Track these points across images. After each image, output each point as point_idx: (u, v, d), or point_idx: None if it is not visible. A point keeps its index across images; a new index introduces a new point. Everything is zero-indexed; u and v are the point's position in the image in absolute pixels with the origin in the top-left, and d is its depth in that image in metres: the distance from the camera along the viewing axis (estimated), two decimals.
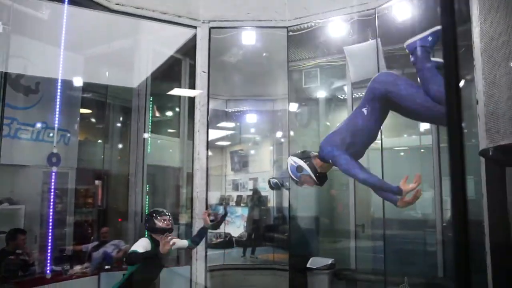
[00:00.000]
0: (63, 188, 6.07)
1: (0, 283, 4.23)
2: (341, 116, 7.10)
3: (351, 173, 3.22)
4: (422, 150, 6.67)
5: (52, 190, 4.52)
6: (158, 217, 4.24)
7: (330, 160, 3.32)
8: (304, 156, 3.55)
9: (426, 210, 6.30)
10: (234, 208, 11.03)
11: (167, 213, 4.34)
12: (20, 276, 4.63)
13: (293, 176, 3.54)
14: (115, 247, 5.80)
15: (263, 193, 10.10)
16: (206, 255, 5.59)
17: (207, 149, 5.72)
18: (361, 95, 7.03)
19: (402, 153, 6.78)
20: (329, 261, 6.16)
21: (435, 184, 5.85)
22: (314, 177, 3.45)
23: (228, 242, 9.39)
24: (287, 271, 6.50)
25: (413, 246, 6.26)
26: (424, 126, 6.52)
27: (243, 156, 10.79)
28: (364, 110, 3.51)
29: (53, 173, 4.49)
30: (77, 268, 5.32)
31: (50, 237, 4.37)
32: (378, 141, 6.80)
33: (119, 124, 7.21)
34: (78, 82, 6.10)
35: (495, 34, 3.75)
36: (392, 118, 5.95)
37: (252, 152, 10.91)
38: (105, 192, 7.17)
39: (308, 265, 6.17)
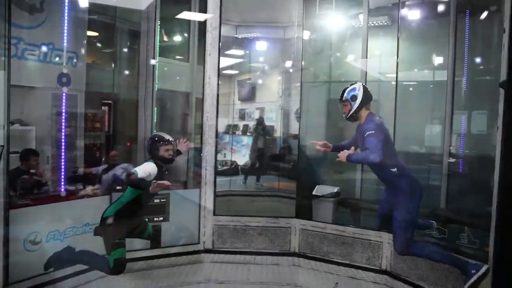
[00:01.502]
0: (71, 112, 6.03)
1: (18, 199, 4.36)
2: (355, 46, 6.90)
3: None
4: (431, 86, 6.55)
5: (64, 110, 4.50)
6: (163, 146, 4.16)
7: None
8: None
9: (434, 143, 6.31)
10: (240, 137, 11.12)
11: (171, 141, 4.23)
12: (35, 194, 4.77)
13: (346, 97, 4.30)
14: (124, 170, 5.88)
15: (270, 123, 10.13)
16: (215, 180, 5.71)
17: (218, 74, 5.64)
18: (377, 24, 6.81)
19: (416, 87, 6.64)
20: (335, 189, 6.29)
21: (445, 119, 5.79)
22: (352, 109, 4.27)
23: (234, 169, 9.58)
24: (293, 199, 6.68)
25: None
26: (439, 61, 6.38)
27: (251, 85, 10.68)
28: None
29: (64, 94, 4.45)
30: (89, 188, 5.44)
31: (63, 158, 4.43)
32: (393, 75, 6.71)
33: (127, 49, 6.99)
34: (84, 2, 5.85)
35: None
36: (405, 51, 5.81)
37: (260, 81, 10.77)
38: (113, 116, 7.16)
39: (314, 193, 6.30)
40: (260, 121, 9.56)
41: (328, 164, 6.78)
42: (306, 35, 6.63)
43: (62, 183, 4.53)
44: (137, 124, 6.41)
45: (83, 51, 6.04)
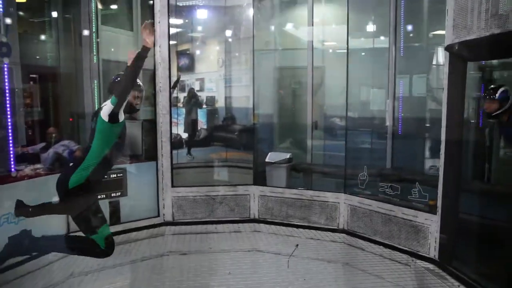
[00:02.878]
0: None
1: None
2: (299, 14, 6.98)
3: None
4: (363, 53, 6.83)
5: (7, 86, 4.10)
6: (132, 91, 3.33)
7: None
8: None
9: (379, 107, 6.63)
10: (181, 109, 10.90)
11: (142, 88, 3.60)
12: None
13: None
14: (65, 148, 5.57)
15: (210, 94, 10.02)
16: (171, 151, 5.62)
17: (169, 43, 5.45)
18: None
19: (363, 53, 6.89)
20: (287, 155, 6.44)
21: (389, 83, 6.08)
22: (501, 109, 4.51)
23: (178, 142, 9.42)
24: (241, 168, 6.76)
25: (364, 142, 6.68)
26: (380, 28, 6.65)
27: (190, 56, 10.42)
28: None
29: (6, 66, 4.06)
30: (27, 169, 5.05)
31: (10, 137, 4.08)
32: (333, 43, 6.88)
33: (63, 18, 6.46)
34: None
35: None
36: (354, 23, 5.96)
37: (199, 52, 10.55)
38: (51, 91, 6.67)
39: (267, 160, 6.39)
40: (192, 93, 9.36)
41: (281, 132, 6.93)
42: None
43: (12, 162, 4.19)
44: (77, 98, 6.04)
45: (13, 19, 5.50)
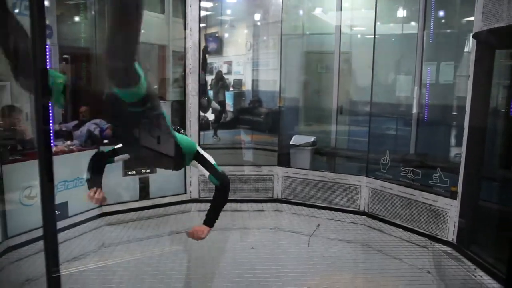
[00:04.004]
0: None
1: (8, 155, 4.31)
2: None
3: None
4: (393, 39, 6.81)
5: (48, 67, 4.35)
6: None
7: None
8: None
9: (405, 93, 6.64)
10: (209, 92, 11.09)
11: None
12: (20, 150, 4.69)
13: None
14: (96, 126, 5.84)
15: (238, 77, 10.16)
16: (199, 131, 5.84)
17: (199, 26, 5.62)
18: None
19: (393, 39, 6.87)
20: (311, 139, 6.55)
21: (416, 69, 6.08)
22: None
23: (205, 124, 9.63)
24: (267, 150, 6.91)
25: (389, 128, 6.72)
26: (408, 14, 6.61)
27: (218, 39, 10.56)
28: None
29: (47, 47, 4.30)
30: (61, 145, 5.34)
31: (51, 114, 4.37)
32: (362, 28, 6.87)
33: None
34: None
35: None
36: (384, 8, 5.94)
37: (227, 35, 10.68)
38: (85, 71, 6.95)
39: (291, 142, 6.53)
40: (219, 76, 9.49)
41: (306, 116, 7.03)
42: None
43: (52, 138, 4.49)
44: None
45: (51, 2, 5.77)
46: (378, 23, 5.81)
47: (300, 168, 6.10)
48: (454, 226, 4.53)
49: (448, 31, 6.36)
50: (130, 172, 5.44)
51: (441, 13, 6.17)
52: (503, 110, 5.32)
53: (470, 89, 4.42)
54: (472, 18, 4.68)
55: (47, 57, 4.35)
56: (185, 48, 5.62)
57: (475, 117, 4.42)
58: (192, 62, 5.65)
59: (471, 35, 5.68)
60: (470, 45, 5.78)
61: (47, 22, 4.36)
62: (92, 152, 4.24)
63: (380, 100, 6.63)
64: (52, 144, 4.59)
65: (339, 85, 6.69)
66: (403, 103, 6.60)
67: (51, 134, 4.61)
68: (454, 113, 5.90)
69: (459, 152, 5.06)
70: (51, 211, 1.68)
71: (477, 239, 4.37)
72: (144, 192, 5.51)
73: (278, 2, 6.36)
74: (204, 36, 10.69)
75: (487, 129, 4.57)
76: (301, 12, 7.33)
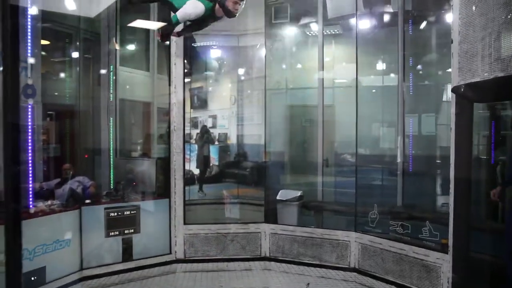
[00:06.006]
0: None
1: None
2: (311, 53, 7.18)
3: None
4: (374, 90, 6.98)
5: (30, 125, 4.30)
6: None
7: None
8: None
9: (388, 145, 6.70)
10: (194, 146, 11.05)
11: None
12: None
13: None
14: (79, 184, 5.70)
15: (222, 131, 10.18)
16: (184, 189, 5.72)
17: (184, 83, 5.67)
18: (332, 32, 7.13)
19: (374, 91, 7.03)
20: (298, 193, 6.48)
21: (398, 121, 6.17)
22: None
23: (190, 178, 9.52)
24: (253, 205, 6.79)
25: (375, 178, 6.71)
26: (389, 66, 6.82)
27: (203, 93, 10.67)
28: None
29: (30, 106, 4.28)
30: (41, 205, 5.17)
31: (31, 172, 4.25)
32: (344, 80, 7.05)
33: (82, 58, 6.77)
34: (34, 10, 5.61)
35: None
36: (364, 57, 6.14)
37: (211, 89, 10.80)
38: (69, 128, 6.89)
39: (278, 197, 6.44)
40: (204, 130, 9.54)
41: (292, 169, 6.99)
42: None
43: (31, 199, 4.34)
44: (93, 135, 6.22)
45: (37, 60, 5.79)
46: (359, 77, 5.93)
47: (288, 224, 5.98)
48: (448, 282, 4.41)
49: (426, 83, 6.54)
50: (112, 233, 5.26)
51: (419, 66, 6.36)
52: (484, 157, 5.38)
53: (453, 142, 4.46)
54: (449, 70, 4.83)
55: (29, 115, 4.31)
56: (169, 104, 5.64)
57: (460, 169, 4.42)
58: (176, 119, 5.64)
59: (449, 86, 5.90)
60: (448, 95, 5.96)
61: (30, 82, 4.33)
62: (75, 212, 4.11)
63: (365, 152, 6.67)
64: (31, 205, 4.43)
65: (324, 138, 6.72)
66: (388, 154, 6.64)
67: (30, 194, 4.46)
68: (438, 161, 5.94)
69: (446, 201, 5.05)
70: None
71: None
72: (127, 254, 5.29)
73: (262, 58, 6.50)
74: (189, 91, 10.87)
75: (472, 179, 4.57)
76: (284, 67, 7.50)
